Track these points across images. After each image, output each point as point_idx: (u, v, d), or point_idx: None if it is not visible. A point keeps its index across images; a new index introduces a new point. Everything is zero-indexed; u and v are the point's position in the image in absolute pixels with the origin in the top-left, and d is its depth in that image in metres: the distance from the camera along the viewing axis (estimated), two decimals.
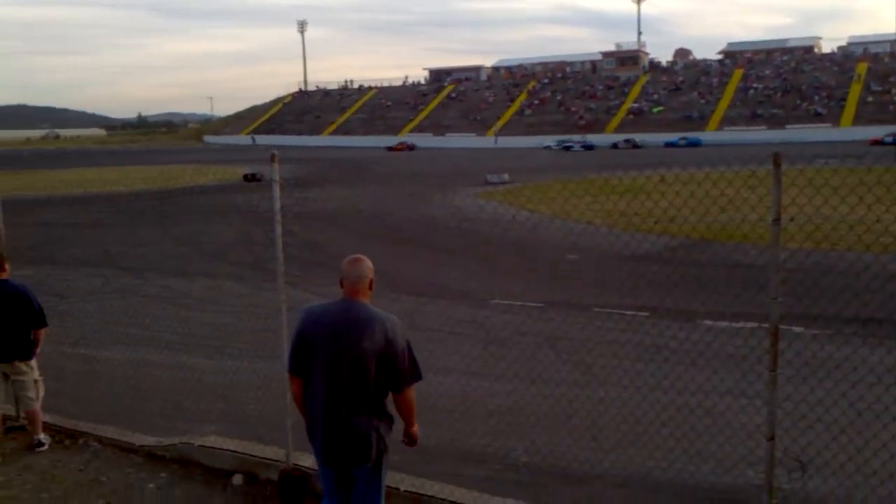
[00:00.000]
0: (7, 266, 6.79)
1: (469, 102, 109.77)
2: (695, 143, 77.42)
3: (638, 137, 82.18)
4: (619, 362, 9.20)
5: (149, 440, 6.76)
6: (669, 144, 78.36)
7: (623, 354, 9.65)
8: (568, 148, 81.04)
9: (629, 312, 12.38)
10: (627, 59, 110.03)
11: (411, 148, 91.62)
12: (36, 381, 6.88)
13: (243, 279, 16.94)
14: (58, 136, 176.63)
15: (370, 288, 4.15)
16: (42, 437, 6.94)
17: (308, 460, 5.73)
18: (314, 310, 4.13)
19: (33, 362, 6.88)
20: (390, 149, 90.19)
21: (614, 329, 11.20)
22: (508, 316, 12.37)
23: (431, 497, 5.17)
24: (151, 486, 6.04)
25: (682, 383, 7.58)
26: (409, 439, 4.32)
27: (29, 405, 6.90)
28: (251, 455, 5.95)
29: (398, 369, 4.02)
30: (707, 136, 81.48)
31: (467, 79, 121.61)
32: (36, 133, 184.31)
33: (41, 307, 6.82)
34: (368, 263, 4.15)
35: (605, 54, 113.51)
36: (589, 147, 79.79)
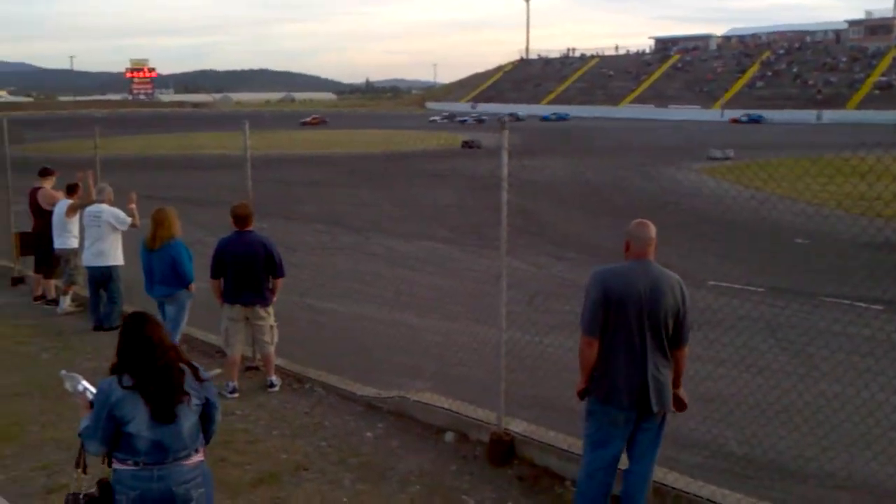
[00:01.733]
0: (252, 219, 7.38)
1: (695, 73, 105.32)
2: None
3: (882, 115, 75.01)
4: (846, 356, 8.55)
5: (368, 391, 7.14)
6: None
7: (851, 348, 8.95)
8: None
9: (861, 304, 11.47)
10: (879, 27, 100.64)
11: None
12: (272, 327, 7.47)
13: (459, 243, 17.39)
14: (293, 100, 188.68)
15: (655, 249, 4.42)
16: (274, 378, 7.54)
17: (519, 426, 5.84)
18: (613, 271, 4.37)
19: (271, 309, 7.46)
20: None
21: (842, 320, 10.39)
22: (726, 299, 11.84)
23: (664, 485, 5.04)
24: (369, 434, 6.39)
25: None
26: (679, 403, 4.55)
27: (265, 348, 7.51)
28: (463, 415, 6.12)
29: (685, 326, 4.36)
30: None
31: (695, 48, 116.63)
32: (274, 96, 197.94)
33: (281, 258, 7.38)
34: (653, 227, 4.39)
35: (852, 23, 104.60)
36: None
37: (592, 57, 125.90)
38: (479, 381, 6.35)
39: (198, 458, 3.74)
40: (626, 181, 28.54)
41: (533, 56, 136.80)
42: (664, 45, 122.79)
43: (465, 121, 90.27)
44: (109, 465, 3.72)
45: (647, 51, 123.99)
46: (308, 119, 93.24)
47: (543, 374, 7.02)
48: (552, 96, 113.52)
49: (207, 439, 3.85)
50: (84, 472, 3.80)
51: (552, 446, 5.53)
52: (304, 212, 22.57)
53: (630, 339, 4.26)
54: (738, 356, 8.16)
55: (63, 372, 4.06)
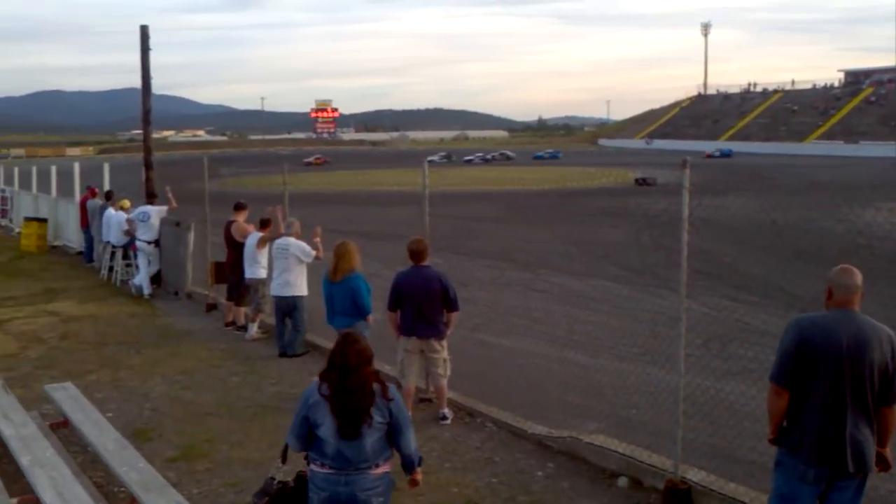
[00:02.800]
0: (427, 254, 7.58)
1: (890, 107, 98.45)
2: None
3: None
4: None
5: (539, 429, 7.09)
6: None
7: None
8: None
9: None
10: None
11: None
12: (445, 360, 7.60)
13: (632, 282, 17.01)
14: (466, 138, 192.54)
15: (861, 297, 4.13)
16: (446, 411, 7.64)
17: (696, 475, 5.60)
18: (813, 320, 4.13)
19: (445, 342, 7.60)
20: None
21: None
22: None
23: None
24: (540, 473, 6.34)
25: None
26: (883, 462, 4.19)
27: (438, 381, 7.64)
28: (637, 460, 5.96)
29: (895, 384, 4.03)
30: None
31: (890, 81, 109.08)
32: (448, 134, 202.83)
33: (455, 293, 7.53)
34: (859, 274, 4.13)
35: None
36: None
37: (775, 91, 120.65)
38: (653, 426, 6.17)
39: (382, 469, 4.13)
40: (813, 221, 27.01)
41: (711, 91, 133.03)
42: (855, 78, 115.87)
43: (470, 160, 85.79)
44: (308, 463, 4.21)
45: (836, 84, 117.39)
46: (311, 159, 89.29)
47: (722, 423, 6.71)
48: (731, 132, 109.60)
49: (402, 452, 4.23)
50: (283, 463, 4.42)
51: (734, 499, 5.27)
52: (474, 247, 22.88)
53: (826, 394, 4.02)
54: None
55: None
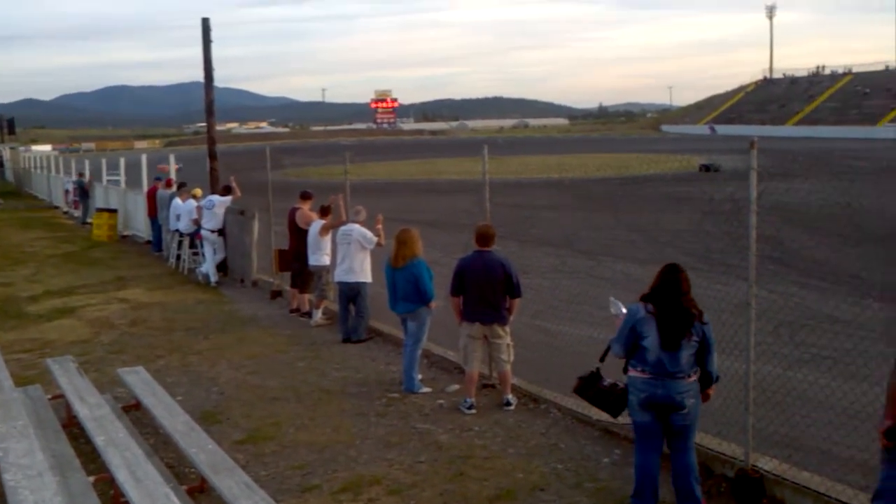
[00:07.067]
0: (494, 240, 7.55)
1: None
2: None
3: None
4: None
5: (604, 415, 7.00)
6: None
7: None
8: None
9: None
10: None
11: None
12: (508, 346, 7.57)
13: (693, 268, 16.52)
14: (526, 126, 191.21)
15: None
16: (510, 397, 7.62)
17: (768, 463, 5.48)
18: None
19: (508, 328, 7.57)
20: None
21: None
22: None
23: None
24: (606, 460, 6.28)
25: None
26: None
27: (502, 367, 7.62)
28: (708, 448, 5.85)
29: None
30: None
31: None
32: (508, 122, 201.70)
33: (518, 278, 7.49)
34: None
35: None
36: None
37: (845, 74, 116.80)
38: (722, 414, 6.03)
39: (693, 378, 5.01)
40: (890, 207, 26.14)
41: (777, 75, 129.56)
42: None
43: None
44: (625, 371, 5.16)
45: None
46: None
47: (792, 412, 6.54)
48: (799, 116, 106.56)
49: (705, 368, 5.07)
50: (601, 362, 5.43)
51: (809, 489, 5.14)
52: (535, 235, 22.64)
53: None
54: None
55: (612, 298, 5.84)
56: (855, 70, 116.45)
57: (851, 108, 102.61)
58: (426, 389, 8.21)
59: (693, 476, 5.15)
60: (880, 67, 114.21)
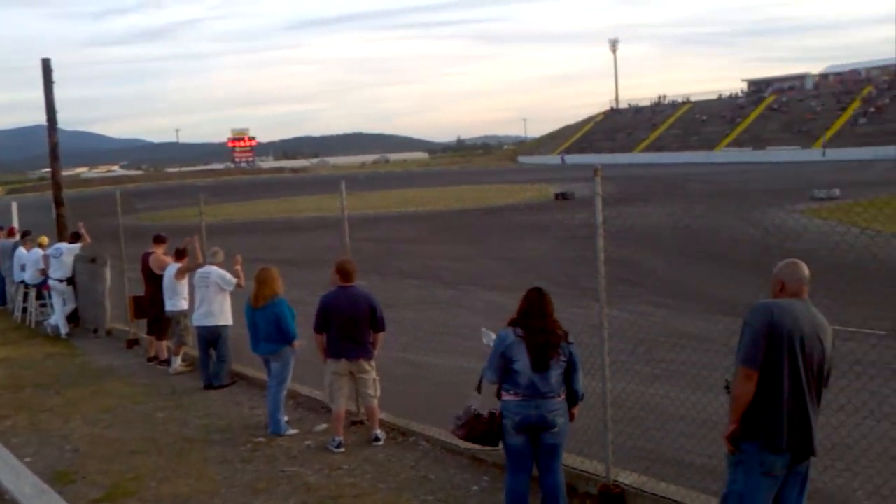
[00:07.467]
0: (355, 275, 7.54)
1: (793, 113, 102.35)
2: None
3: None
4: None
5: (475, 445, 7.08)
6: None
7: None
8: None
9: None
10: None
11: None
12: (375, 380, 7.56)
13: (555, 294, 17.11)
14: (387, 160, 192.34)
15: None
16: (379, 432, 7.59)
17: (628, 477, 5.69)
18: (780, 305, 4.20)
19: (374, 362, 7.56)
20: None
21: None
22: (851, 344, 11.31)
23: None
24: (475, 487, 6.34)
25: None
26: None
27: (370, 401, 7.60)
28: (570, 466, 6.00)
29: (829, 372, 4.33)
30: None
31: (791, 88, 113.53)
32: (368, 158, 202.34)
33: (382, 313, 7.51)
34: (805, 266, 4.33)
35: None
36: None
37: (684, 103, 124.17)
38: (583, 433, 6.23)
39: (562, 398, 5.20)
40: (727, 226, 27.85)
41: (623, 105, 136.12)
42: (758, 87, 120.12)
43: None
44: (499, 397, 5.27)
45: (740, 94, 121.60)
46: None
47: (650, 426, 6.84)
48: (645, 144, 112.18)
49: (571, 387, 5.24)
50: (479, 391, 5.46)
51: (666, 498, 5.37)
52: (399, 268, 22.81)
53: (795, 376, 4.09)
54: (861, 402, 7.76)
55: (483, 329, 5.93)
56: (693, 99, 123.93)
57: (692, 134, 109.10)
58: (293, 431, 8.06)
59: (560, 495, 5.29)
60: (714, 96, 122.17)
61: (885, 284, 15.61)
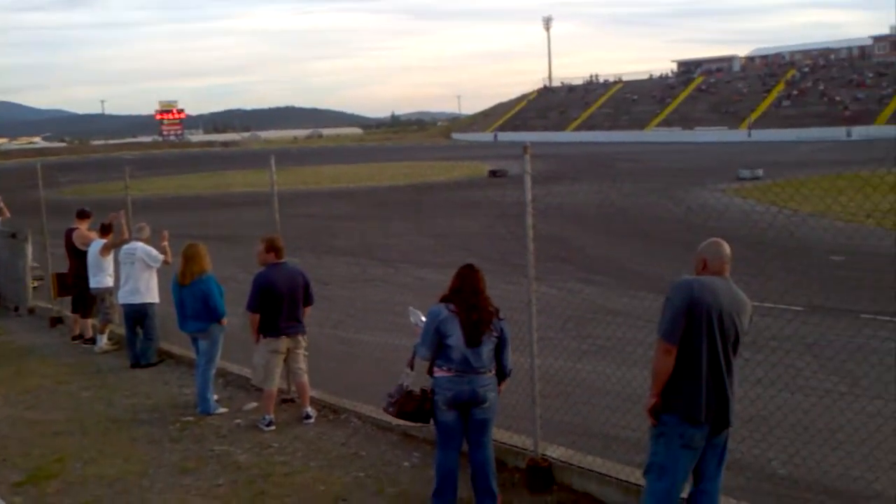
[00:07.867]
0: (283, 252, 7.47)
1: (720, 95, 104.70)
2: None
3: None
4: (888, 372, 8.40)
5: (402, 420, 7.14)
6: None
7: (893, 364, 8.78)
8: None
9: None
10: None
11: None
12: (305, 355, 7.55)
13: (488, 271, 17.26)
14: (320, 136, 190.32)
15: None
16: (309, 410, 7.58)
17: (555, 451, 5.81)
18: (701, 281, 4.29)
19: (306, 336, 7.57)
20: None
21: (887, 338, 10.22)
22: (768, 319, 11.70)
23: None
24: (406, 463, 6.39)
25: None
26: None
27: (301, 377, 7.56)
28: (499, 441, 6.08)
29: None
30: None
31: (719, 70, 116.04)
32: (301, 132, 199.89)
33: (312, 287, 7.53)
34: (727, 245, 4.42)
35: (877, 39, 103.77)
36: None
37: (616, 82, 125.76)
38: (513, 408, 6.33)
39: (492, 373, 5.26)
40: (653, 204, 28.40)
41: (556, 83, 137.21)
42: (688, 68, 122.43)
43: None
44: (431, 373, 5.27)
45: (670, 74, 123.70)
46: None
47: (577, 400, 6.99)
48: (578, 122, 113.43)
49: (500, 362, 5.31)
50: (411, 369, 5.45)
51: (591, 471, 5.51)
52: (333, 245, 22.69)
53: (713, 351, 4.19)
54: (777, 375, 8.06)
55: (410, 308, 6.06)
56: (624, 79, 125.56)
57: (622, 113, 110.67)
58: (222, 410, 7.99)
59: (490, 470, 5.36)
60: (645, 76, 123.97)
61: (802, 262, 16.17)
